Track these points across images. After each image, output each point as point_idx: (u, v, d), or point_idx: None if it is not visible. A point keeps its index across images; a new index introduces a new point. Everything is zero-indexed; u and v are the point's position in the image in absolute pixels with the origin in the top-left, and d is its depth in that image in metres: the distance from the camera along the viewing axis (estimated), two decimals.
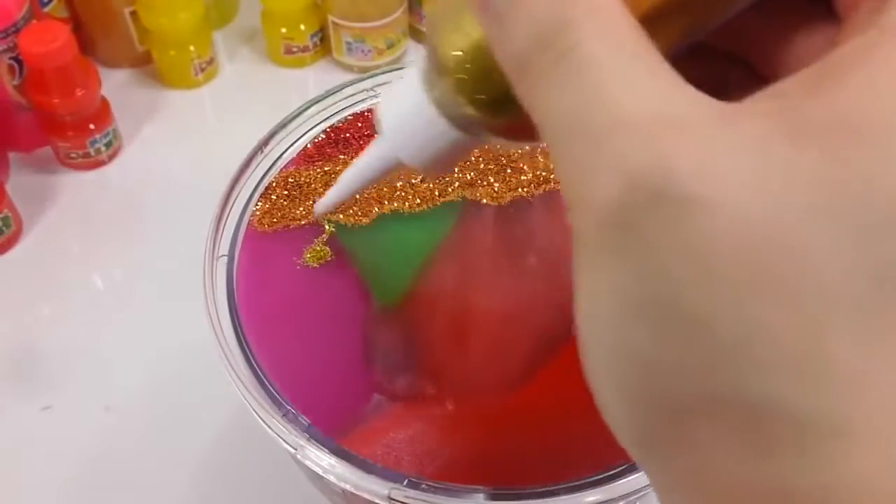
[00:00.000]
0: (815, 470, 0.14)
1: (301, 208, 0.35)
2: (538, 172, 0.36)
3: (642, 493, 0.28)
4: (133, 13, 0.58)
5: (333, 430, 0.29)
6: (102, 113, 0.55)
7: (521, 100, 0.17)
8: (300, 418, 0.29)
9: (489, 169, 0.36)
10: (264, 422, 0.28)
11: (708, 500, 0.15)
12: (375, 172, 0.25)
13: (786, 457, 0.14)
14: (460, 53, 0.20)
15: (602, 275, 0.15)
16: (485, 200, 0.35)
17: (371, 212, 0.35)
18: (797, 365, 0.14)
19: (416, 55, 0.63)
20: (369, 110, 0.38)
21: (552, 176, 0.36)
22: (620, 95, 0.15)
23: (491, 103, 0.20)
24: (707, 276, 0.14)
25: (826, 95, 0.14)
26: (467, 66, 0.20)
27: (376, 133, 0.24)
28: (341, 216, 0.35)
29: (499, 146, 0.27)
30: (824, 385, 0.14)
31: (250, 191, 0.35)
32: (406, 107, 0.23)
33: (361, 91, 0.38)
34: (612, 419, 0.16)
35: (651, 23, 0.16)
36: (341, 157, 0.37)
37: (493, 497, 0.28)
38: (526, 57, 0.16)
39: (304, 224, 0.35)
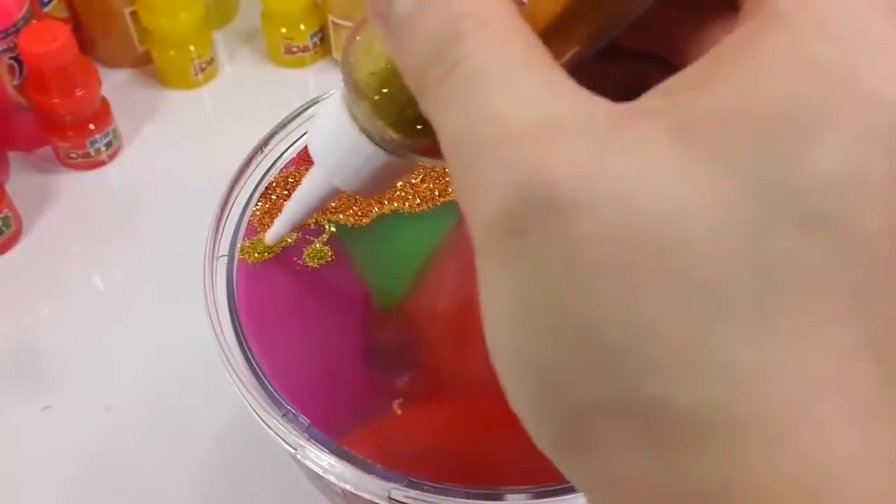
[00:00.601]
0: (714, 467, 0.14)
1: None
2: None
3: None
4: (133, 13, 0.58)
5: (333, 430, 0.29)
6: (102, 113, 0.55)
7: (424, 111, 0.17)
8: (300, 418, 0.29)
9: None
10: (264, 422, 0.28)
11: (619, 501, 0.15)
12: (315, 200, 0.26)
13: (684, 456, 0.14)
14: (372, 75, 0.20)
15: (496, 283, 0.15)
16: None
17: (371, 212, 0.35)
18: (686, 363, 0.14)
19: None
20: None
21: None
22: (504, 105, 0.15)
23: (406, 124, 0.20)
24: (591, 279, 0.14)
25: (709, 89, 0.14)
26: (380, 87, 0.20)
27: (313, 159, 0.24)
28: (341, 216, 0.35)
29: (428, 165, 0.27)
30: (715, 382, 0.13)
31: (250, 191, 0.35)
32: (333, 133, 0.23)
33: None
34: (525, 423, 0.16)
35: (553, 33, 0.16)
36: None
37: (494, 497, 0.28)
38: (422, 72, 0.16)
39: (304, 224, 0.35)
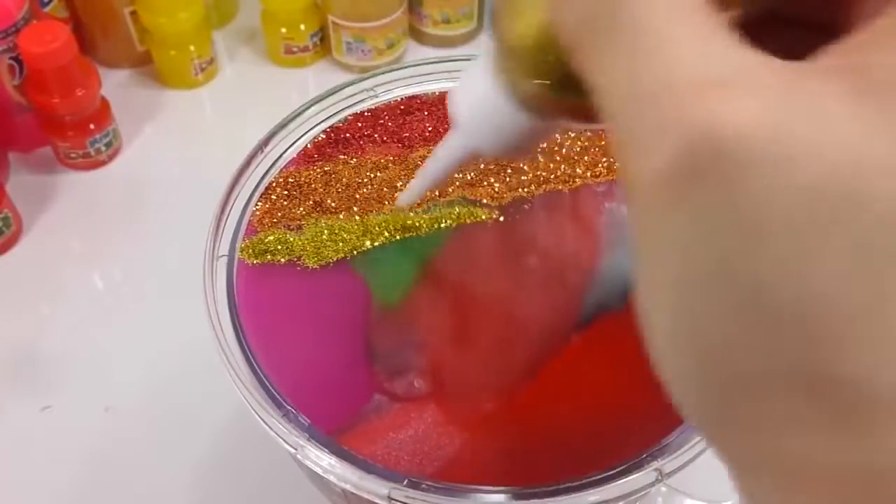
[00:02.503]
0: None
1: (301, 208, 0.35)
2: (538, 172, 0.36)
3: (642, 493, 0.28)
4: (133, 13, 0.58)
5: (333, 430, 0.29)
6: (102, 113, 0.55)
7: (581, 71, 0.16)
8: (300, 418, 0.29)
9: (489, 169, 0.36)
10: (264, 422, 0.28)
11: (786, 481, 0.14)
12: (455, 163, 0.26)
13: (871, 434, 0.13)
14: (524, 35, 0.20)
15: (657, 240, 0.15)
16: (485, 200, 0.35)
17: (371, 212, 0.35)
18: (872, 338, 0.13)
19: (415, 54, 0.63)
20: (369, 110, 0.38)
21: (552, 176, 0.36)
22: (676, 59, 0.14)
23: (559, 84, 0.20)
24: (764, 238, 0.13)
25: (892, 51, 0.14)
26: (533, 46, 0.20)
27: (452, 124, 0.25)
28: (342, 216, 0.35)
29: (571, 128, 0.27)
30: None
31: (250, 191, 0.35)
32: (478, 96, 0.23)
33: (361, 91, 0.38)
34: (676, 395, 0.15)
35: None
36: (341, 157, 0.37)
37: (494, 497, 0.28)
38: (583, 28, 0.16)
39: (304, 224, 0.35)
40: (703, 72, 0.14)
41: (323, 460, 0.28)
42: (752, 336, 0.14)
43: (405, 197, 0.29)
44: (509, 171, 0.36)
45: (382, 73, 0.39)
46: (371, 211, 0.35)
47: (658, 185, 0.14)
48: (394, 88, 0.39)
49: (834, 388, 0.13)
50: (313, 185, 0.36)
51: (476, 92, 0.23)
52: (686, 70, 0.14)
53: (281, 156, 0.36)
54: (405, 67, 0.39)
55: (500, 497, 0.28)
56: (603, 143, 0.37)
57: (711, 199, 0.14)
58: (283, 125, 0.37)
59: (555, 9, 0.17)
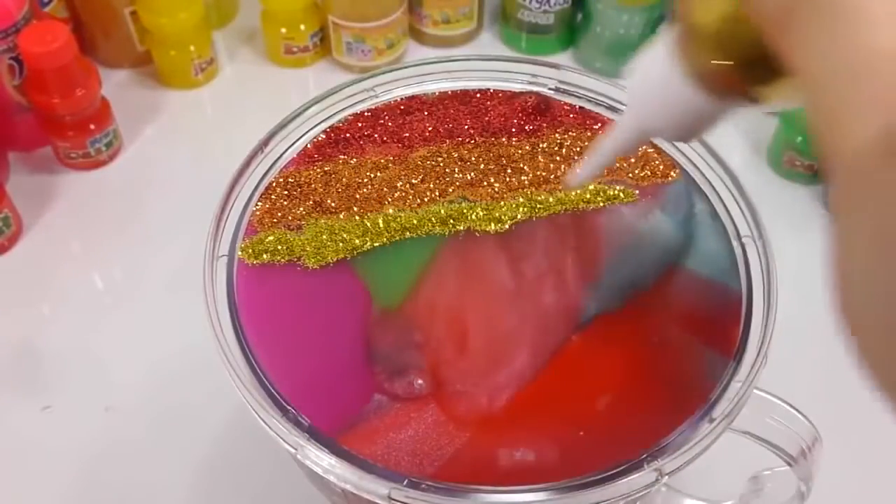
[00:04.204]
0: None
1: (301, 208, 0.35)
2: (538, 172, 0.36)
3: (642, 493, 0.28)
4: (133, 13, 0.58)
5: (333, 430, 0.29)
6: (102, 113, 0.55)
7: (778, 51, 0.17)
8: (300, 418, 0.29)
9: (489, 169, 0.36)
10: (264, 422, 0.28)
11: None
12: (629, 142, 0.27)
13: None
14: (712, 14, 0.21)
15: (862, 216, 0.15)
16: (485, 201, 0.35)
17: (371, 212, 0.35)
18: None
19: (415, 54, 0.63)
20: (369, 110, 0.38)
21: (552, 176, 0.36)
22: (881, 35, 0.15)
23: (742, 62, 0.21)
24: None
25: None
26: (720, 26, 0.21)
27: (628, 103, 0.25)
28: (342, 216, 0.35)
29: (745, 109, 0.28)
30: None
31: (250, 191, 0.35)
32: (656, 76, 0.24)
33: (361, 91, 0.38)
34: (870, 366, 0.16)
35: None
36: (341, 157, 0.37)
37: (493, 497, 0.28)
38: (781, 4, 0.16)
39: (304, 224, 0.35)
40: None
41: (323, 460, 0.28)
42: None
43: (577, 176, 0.30)
44: (509, 170, 0.36)
45: (382, 73, 0.39)
46: (371, 211, 0.35)
47: (868, 153, 0.14)
48: (394, 88, 0.39)
49: None
50: (313, 185, 0.36)
51: (654, 72, 0.24)
52: (888, 44, 0.14)
53: (281, 156, 0.36)
54: (405, 67, 0.39)
55: (500, 497, 0.28)
56: None
57: None
58: (283, 125, 0.37)
59: None
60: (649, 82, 0.24)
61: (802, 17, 0.16)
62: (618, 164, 0.37)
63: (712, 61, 0.22)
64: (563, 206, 0.35)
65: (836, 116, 0.15)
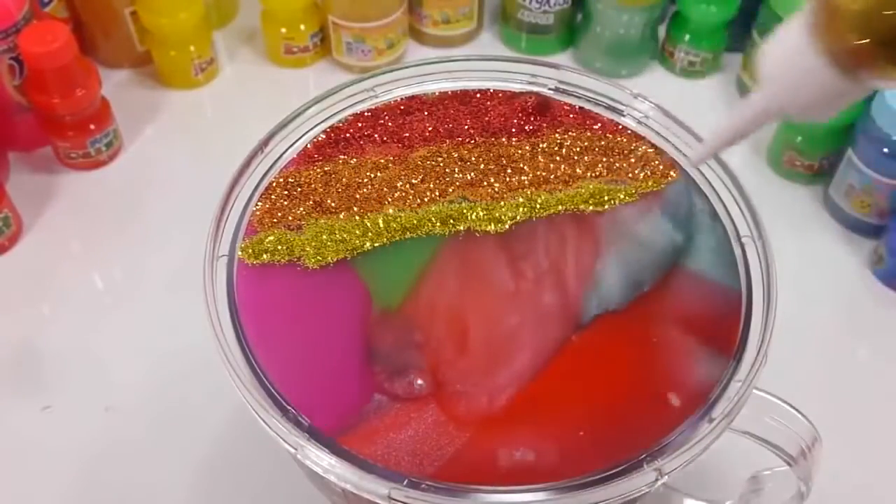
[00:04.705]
0: None
1: (301, 208, 0.35)
2: (538, 172, 0.36)
3: (642, 492, 0.28)
4: (133, 13, 0.58)
5: (333, 430, 0.29)
6: (102, 113, 0.55)
7: None
8: (300, 418, 0.29)
9: (489, 169, 0.36)
10: (264, 422, 0.28)
11: None
12: (758, 119, 0.27)
13: None
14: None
15: None
16: (485, 201, 0.35)
17: (371, 212, 0.35)
18: None
19: (415, 54, 0.63)
20: (369, 110, 0.38)
21: (552, 176, 0.36)
22: None
23: (880, 41, 0.22)
24: None
25: None
26: (867, 7, 0.22)
27: (759, 81, 0.26)
28: (342, 216, 0.35)
29: (880, 88, 0.29)
30: None
31: (250, 191, 0.35)
32: (791, 54, 0.24)
33: (361, 91, 0.38)
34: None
35: None
36: (341, 157, 0.37)
37: (493, 497, 0.28)
38: None
39: (304, 224, 0.35)
40: None
41: (323, 460, 0.28)
42: None
43: (701, 151, 0.30)
44: (509, 170, 0.36)
45: (382, 73, 0.39)
46: (371, 211, 0.35)
47: None
48: (394, 88, 0.39)
49: None
50: (313, 185, 0.36)
51: (789, 50, 0.24)
52: None
53: (281, 156, 0.36)
54: (405, 67, 0.39)
55: (500, 497, 0.28)
56: (603, 143, 0.37)
57: None
58: (283, 125, 0.37)
59: None
60: (783, 60, 0.25)
61: None
62: (618, 165, 0.37)
63: (852, 40, 0.22)
64: (563, 206, 0.35)
65: None
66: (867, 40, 0.22)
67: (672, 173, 0.36)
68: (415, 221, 0.34)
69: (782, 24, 0.25)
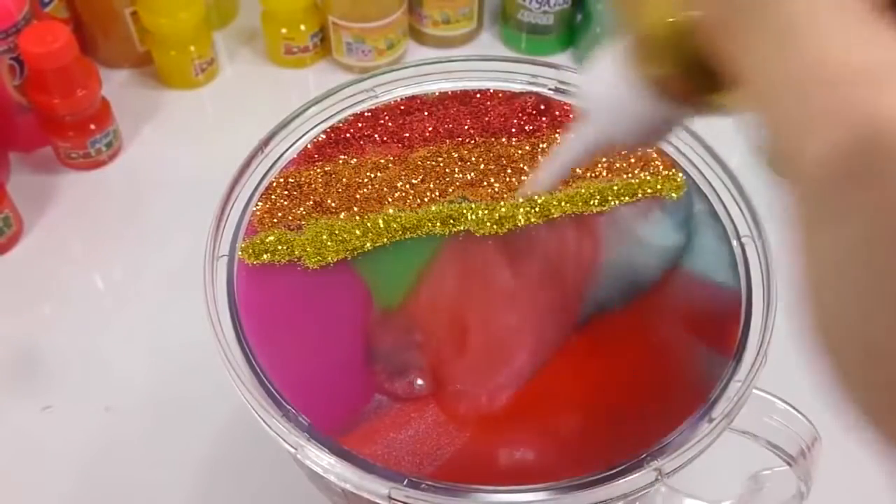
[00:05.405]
0: None
1: (301, 208, 0.35)
2: None
3: (642, 493, 0.28)
4: (133, 13, 0.58)
5: (333, 430, 0.29)
6: (103, 113, 0.55)
7: (726, 59, 0.16)
8: (300, 418, 0.29)
9: (489, 169, 0.36)
10: (264, 422, 0.28)
11: None
12: (586, 151, 0.27)
13: None
14: (658, 22, 0.21)
15: (825, 235, 0.14)
16: (485, 201, 0.35)
17: (371, 212, 0.35)
18: None
19: (415, 54, 0.63)
20: (369, 110, 0.38)
21: None
22: (836, 46, 0.14)
23: (690, 69, 0.21)
24: None
25: None
26: (665, 34, 0.21)
27: (581, 113, 0.25)
28: (342, 216, 0.35)
29: (698, 116, 0.29)
30: None
31: (250, 191, 0.35)
32: (607, 84, 0.24)
33: (361, 91, 0.38)
34: (840, 391, 0.15)
35: None
36: (341, 157, 0.37)
37: (493, 497, 0.28)
38: (727, 12, 0.16)
39: (305, 224, 0.35)
40: (865, 59, 0.14)
41: (323, 460, 0.28)
42: None
43: (533, 184, 0.30)
44: (509, 171, 0.36)
45: (382, 74, 0.39)
46: (371, 211, 0.35)
47: (820, 171, 0.14)
48: (394, 88, 0.39)
49: None
50: (313, 185, 0.36)
51: (605, 81, 0.24)
52: (848, 56, 0.14)
53: (281, 156, 0.36)
54: (405, 68, 0.39)
55: (500, 497, 0.28)
56: None
57: (873, 191, 0.13)
58: (283, 125, 0.37)
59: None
60: (602, 91, 0.24)
61: (748, 22, 0.15)
62: (618, 165, 0.37)
63: (659, 69, 0.22)
64: (563, 207, 0.35)
65: (793, 126, 0.14)
66: (676, 69, 0.21)
67: (672, 173, 0.36)
68: (415, 221, 0.34)
69: (601, 53, 0.25)
